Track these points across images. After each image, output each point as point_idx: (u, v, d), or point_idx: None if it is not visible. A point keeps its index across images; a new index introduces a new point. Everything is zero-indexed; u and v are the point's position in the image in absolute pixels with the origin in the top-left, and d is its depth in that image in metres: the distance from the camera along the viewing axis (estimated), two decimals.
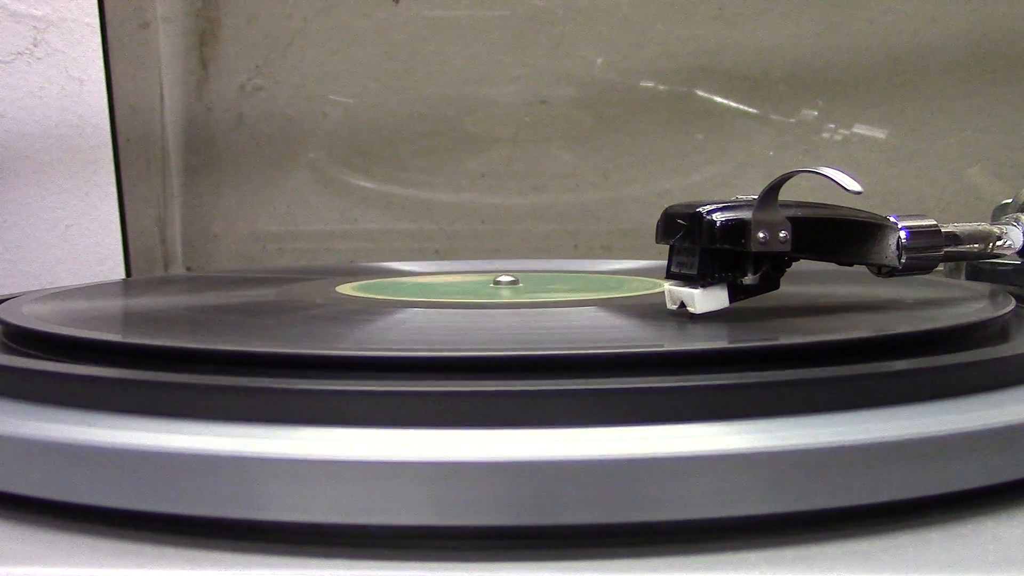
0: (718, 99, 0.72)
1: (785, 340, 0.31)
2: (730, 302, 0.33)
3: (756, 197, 0.33)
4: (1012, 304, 0.36)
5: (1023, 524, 0.24)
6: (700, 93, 0.72)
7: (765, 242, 0.32)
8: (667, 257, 0.35)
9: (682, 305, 0.34)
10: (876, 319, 0.37)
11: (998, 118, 0.70)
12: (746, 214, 0.32)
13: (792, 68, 0.70)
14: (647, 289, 0.43)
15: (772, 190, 0.32)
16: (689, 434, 0.23)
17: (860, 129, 0.71)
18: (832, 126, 0.71)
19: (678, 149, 0.72)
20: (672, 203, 0.35)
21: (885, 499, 0.24)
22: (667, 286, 0.34)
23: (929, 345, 0.31)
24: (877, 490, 0.24)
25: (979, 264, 0.47)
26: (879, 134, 0.71)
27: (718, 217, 0.32)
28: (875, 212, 0.36)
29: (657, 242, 0.35)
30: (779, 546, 0.23)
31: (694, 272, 0.33)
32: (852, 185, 0.31)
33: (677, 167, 0.72)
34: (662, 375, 0.26)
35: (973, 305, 0.37)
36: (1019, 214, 0.42)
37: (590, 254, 0.73)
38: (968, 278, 0.49)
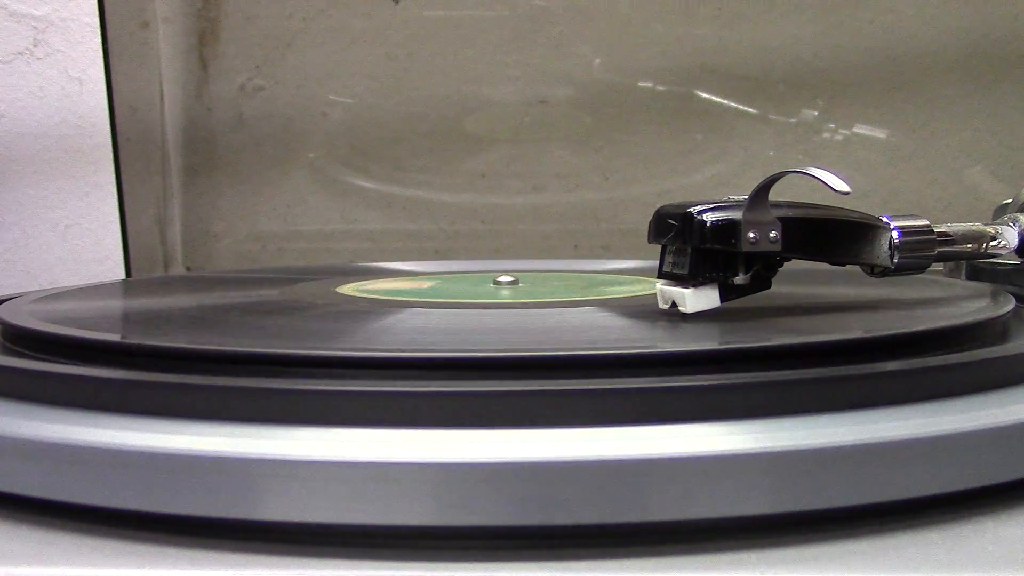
0: (718, 99, 0.72)
1: (787, 340, 0.31)
2: (721, 302, 0.34)
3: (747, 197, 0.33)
4: (1012, 304, 0.36)
5: (1023, 524, 0.24)
6: (700, 93, 0.72)
7: (755, 242, 0.32)
8: (659, 256, 0.35)
9: (674, 305, 0.34)
10: (876, 319, 0.37)
11: (998, 118, 0.70)
12: (736, 214, 0.32)
13: (792, 68, 0.70)
14: (647, 289, 0.43)
15: (762, 190, 0.32)
16: (689, 434, 0.23)
17: (860, 129, 0.71)
18: (832, 126, 0.71)
19: (678, 149, 0.72)
20: (672, 202, 0.35)
21: (885, 499, 0.24)
22: (659, 285, 0.34)
23: (929, 345, 0.31)
24: (877, 490, 0.24)
25: (979, 264, 0.48)
26: (879, 134, 0.71)
27: (708, 217, 0.32)
28: (874, 212, 0.36)
29: (649, 242, 0.35)
30: (779, 546, 0.23)
31: (685, 272, 0.33)
32: (840, 186, 0.31)
33: (677, 167, 0.72)
34: (662, 375, 0.26)
35: (973, 305, 0.37)
36: (1017, 214, 0.42)
37: (590, 254, 0.73)
38: (968, 278, 0.49)
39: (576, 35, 0.72)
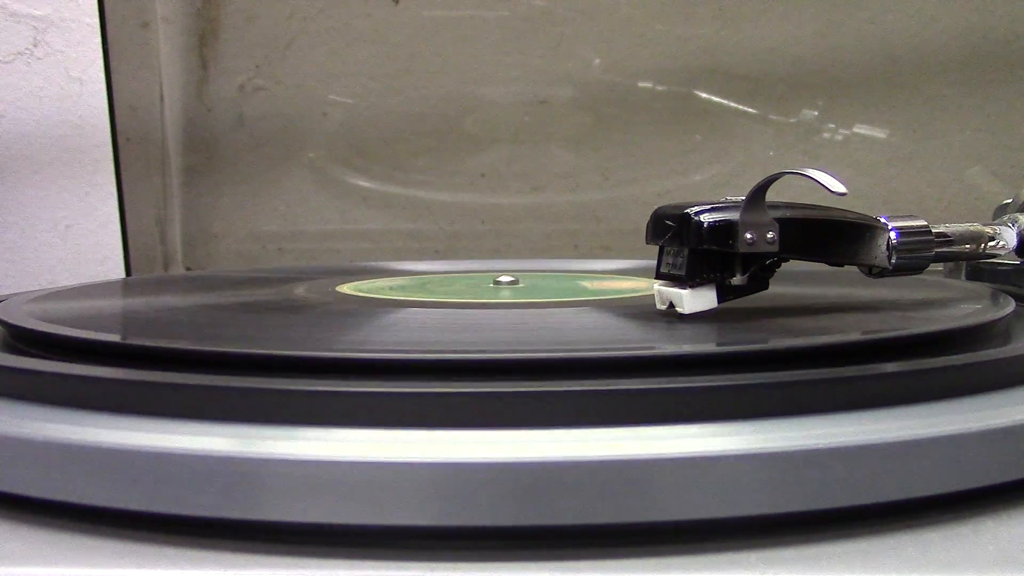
0: (718, 99, 0.72)
1: (786, 342, 0.31)
2: (719, 302, 0.34)
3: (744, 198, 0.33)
4: (1012, 305, 0.36)
5: (1023, 524, 0.24)
6: (700, 93, 0.72)
7: (753, 243, 0.32)
8: (657, 257, 0.35)
9: (671, 305, 0.34)
10: (876, 320, 0.37)
11: (998, 118, 0.70)
12: (734, 215, 0.32)
13: (792, 68, 0.71)
14: (646, 290, 0.43)
15: (759, 191, 0.32)
16: (688, 434, 0.23)
17: (860, 129, 0.71)
18: (832, 126, 0.71)
19: (678, 149, 0.72)
20: (670, 203, 0.35)
21: (885, 499, 0.24)
22: (657, 286, 0.34)
23: (929, 346, 0.31)
24: (877, 490, 0.24)
25: (979, 264, 0.47)
26: (879, 134, 0.71)
27: (706, 218, 0.32)
28: (873, 212, 0.36)
29: (647, 243, 0.35)
30: (779, 546, 0.23)
31: (683, 273, 0.33)
32: (836, 187, 0.31)
33: (677, 167, 0.72)
34: (662, 376, 0.26)
35: (973, 306, 0.37)
36: (1017, 214, 0.42)
37: (590, 254, 0.73)
38: (968, 278, 0.49)
39: (576, 35, 0.72)
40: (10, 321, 0.35)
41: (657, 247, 0.35)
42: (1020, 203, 0.45)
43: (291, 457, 0.23)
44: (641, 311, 0.36)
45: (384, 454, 0.23)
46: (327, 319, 0.38)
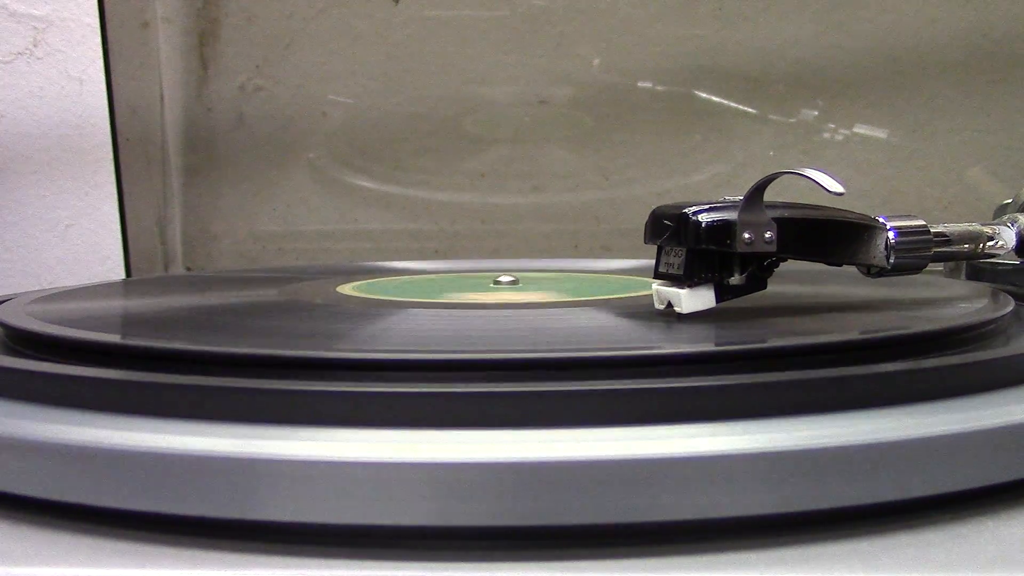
0: (718, 99, 0.72)
1: (785, 342, 0.31)
2: (716, 302, 0.34)
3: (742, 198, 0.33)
4: (1012, 304, 0.36)
5: (1023, 524, 0.24)
6: (700, 93, 0.72)
7: (751, 243, 0.32)
8: (655, 257, 0.35)
9: (669, 305, 0.34)
10: (875, 319, 0.37)
11: (998, 118, 0.70)
12: (732, 215, 0.32)
13: (792, 68, 0.70)
14: (647, 289, 0.43)
15: (757, 191, 0.33)
16: (689, 434, 0.23)
17: (860, 129, 0.71)
18: (832, 126, 0.71)
19: (678, 149, 0.72)
20: (668, 203, 0.35)
21: (885, 499, 0.24)
22: (655, 286, 0.34)
23: (929, 345, 0.31)
24: (877, 490, 0.24)
25: (979, 264, 0.48)
26: (879, 134, 0.71)
27: (704, 218, 0.32)
28: (873, 212, 0.36)
29: (645, 243, 0.35)
30: (779, 546, 0.23)
31: (681, 272, 0.33)
32: (834, 186, 0.31)
33: (677, 167, 0.72)
34: (662, 376, 0.26)
35: (973, 305, 0.37)
36: (1016, 214, 0.42)
37: (590, 254, 0.73)
38: (968, 278, 0.49)
39: (576, 35, 0.72)
40: (10, 322, 0.35)
41: (655, 247, 0.35)
42: (1020, 203, 0.45)
43: (291, 457, 0.23)
44: (639, 311, 0.36)
45: (384, 454, 0.23)
46: (327, 319, 0.38)
